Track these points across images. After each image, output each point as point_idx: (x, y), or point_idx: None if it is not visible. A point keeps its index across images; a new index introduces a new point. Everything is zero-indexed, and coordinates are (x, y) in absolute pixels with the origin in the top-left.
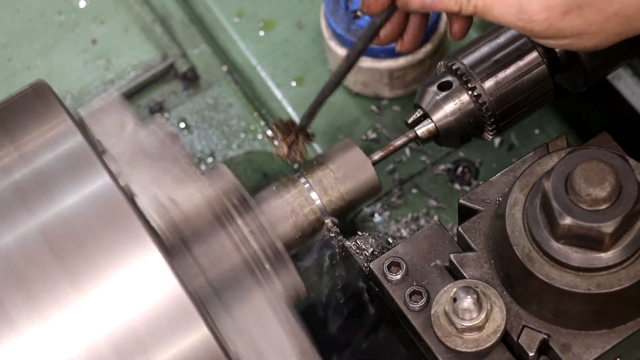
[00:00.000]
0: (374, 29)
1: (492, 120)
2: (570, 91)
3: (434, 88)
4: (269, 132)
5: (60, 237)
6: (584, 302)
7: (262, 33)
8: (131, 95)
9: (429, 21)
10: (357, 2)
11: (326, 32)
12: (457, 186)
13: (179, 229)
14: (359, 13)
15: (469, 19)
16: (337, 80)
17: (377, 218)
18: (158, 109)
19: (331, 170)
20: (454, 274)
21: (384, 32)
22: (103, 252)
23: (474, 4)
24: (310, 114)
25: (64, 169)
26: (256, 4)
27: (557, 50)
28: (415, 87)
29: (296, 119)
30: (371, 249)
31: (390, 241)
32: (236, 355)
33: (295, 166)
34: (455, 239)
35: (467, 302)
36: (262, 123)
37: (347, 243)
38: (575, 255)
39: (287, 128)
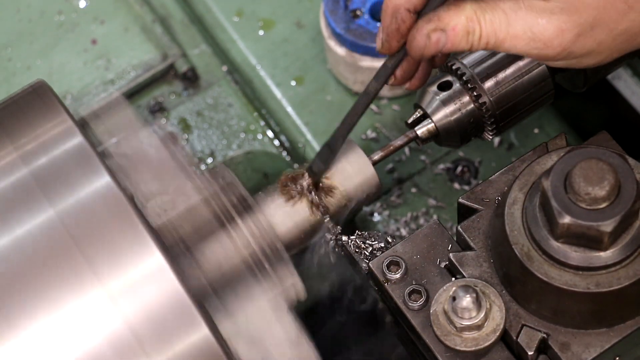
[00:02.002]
0: (387, 72)
1: (492, 120)
2: (570, 91)
3: (434, 88)
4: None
5: (61, 237)
6: (583, 301)
7: (261, 32)
8: (131, 95)
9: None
10: (356, 1)
11: (325, 32)
12: (456, 185)
13: (179, 229)
14: (358, 12)
15: (425, 80)
16: (348, 129)
17: (376, 217)
18: (158, 109)
19: (331, 170)
20: (453, 273)
21: (400, 72)
22: (103, 252)
23: (485, 41)
24: (323, 163)
25: (64, 169)
26: (256, 3)
27: None
28: None
29: (295, 118)
30: (370, 248)
31: (390, 240)
32: (236, 356)
33: (296, 166)
34: (455, 238)
35: (466, 301)
36: (262, 123)
37: (347, 242)
38: (575, 254)
39: (296, 182)
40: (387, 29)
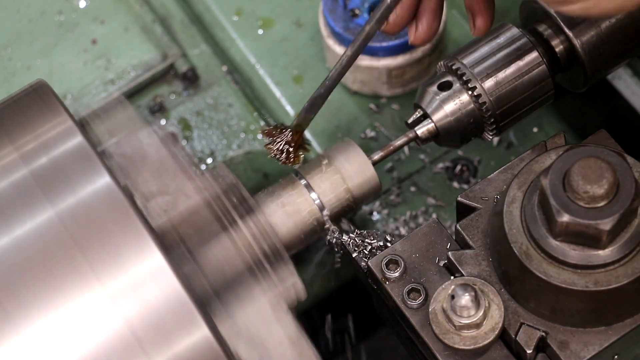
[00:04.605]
0: (385, 10)
1: (492, 120)
2: (570, 91)
3: (434, 88)
4: (262, 135)
5: (61, 237)
6: (581, 300)
7: (260, 31)
8: (131, 95)
9: (443, 7)
10: (355, 0)
11: (324, 31)
12: (455, 184)
13: (179, 229)
14: (357, 11)
15: (491, 8)
16: (342, 70)
17: (375, 216)
18: (158, 109)
19: (331, 170)
20: (452, 271)
21: (393, 17)
22: (103, 252)
23: None
24: (309, 109)
25: (64, 169)
26: (255, 2)
27: (557, 49)
28: (414, 86)
29: (293, 114)
30: (369, 247)
31: (389, 239)
32: (236, 356)
33: (296, 166)
34: (454, 237)
35: (465, 299)
36: (262, 123)
37: (346, 241)
38: (573, 253)
39: (280, 129)
40: None
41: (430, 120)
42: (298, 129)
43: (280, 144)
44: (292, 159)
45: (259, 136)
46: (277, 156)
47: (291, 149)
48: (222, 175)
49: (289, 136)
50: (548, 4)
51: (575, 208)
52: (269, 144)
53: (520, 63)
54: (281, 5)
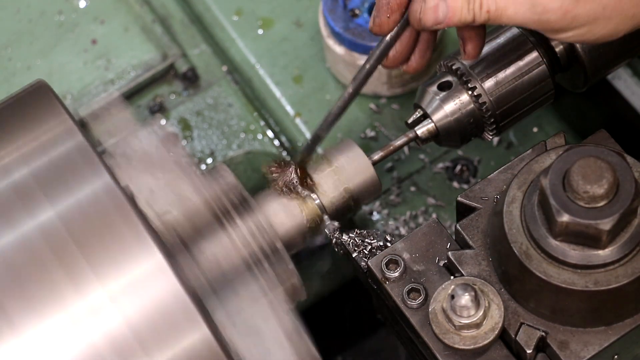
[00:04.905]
0: (384, 48)
1: (492, 120)
2: (570, 91)
3: (434, 88)
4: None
5: (61, 237)
6: (581, 300)
7: (260, 31)
8: (131, 95)
9: (436, 40)
10: (355, 0)
11: (324, 30)
12: (455, 184)
13: (179, 229)
14: (357, 11)
15: (482, 36)
16: (343, 106)
17: (375, 216)
18: (158, 109)
19: (331, 170)
20: (452, 271)
21: (392, 53)
22: (103, 252)
23: (486, 9)
24: (312, 145)
25: (64, 169)
26: (255, 2)
27: (557, 49)
28: (414, 86)
29: (293, 114)
30: (369, 247)
31: (389, 239)
32: (236, 355)
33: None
34: (453, 237)
35: (465, 299)
36: (262, 123)
37: (345, 241)
38: (573, 253)
39: (284, 166)
40: (378, 3)
41: (430, 120)
42: (302, 165)
43: (286, 181)
44: (299, 194)
45: (259, 136)
46: (285, 192)
47: (297, 185)
48: (222, 175)
49: (293, 172)
50: (545, 33)
51: (575, 208)
52: (275, 181)
53: (520, 63)
54: (281, 5)
